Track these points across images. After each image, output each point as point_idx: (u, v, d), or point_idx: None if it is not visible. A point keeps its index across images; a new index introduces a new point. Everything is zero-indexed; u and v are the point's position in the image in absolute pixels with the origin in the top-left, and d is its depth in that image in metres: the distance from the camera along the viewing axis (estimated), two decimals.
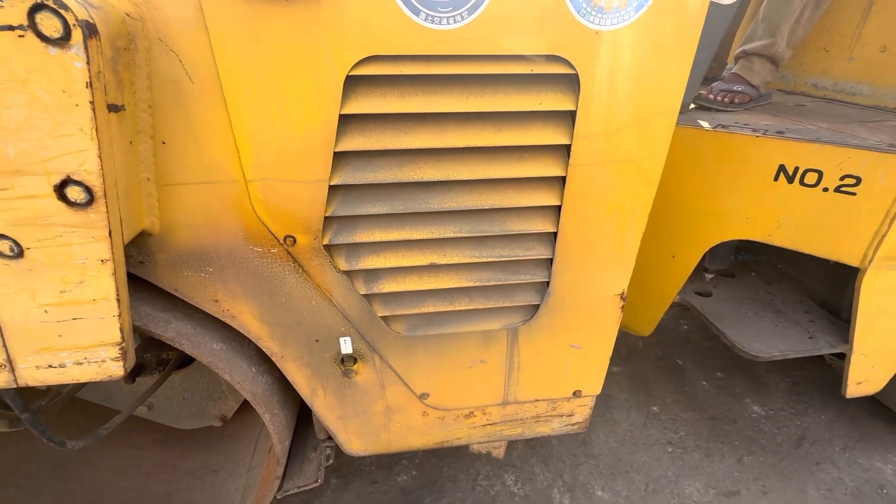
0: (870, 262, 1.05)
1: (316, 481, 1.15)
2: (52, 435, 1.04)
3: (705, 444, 1.54)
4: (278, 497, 1.15)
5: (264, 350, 0.94)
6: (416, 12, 0.64)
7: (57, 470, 1.36)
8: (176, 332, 0.86)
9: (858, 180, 1.00)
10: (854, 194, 1.02)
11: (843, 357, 1.28)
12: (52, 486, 1.32)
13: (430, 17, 0.65)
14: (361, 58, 0.66)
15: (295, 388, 1.01)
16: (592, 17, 0.68)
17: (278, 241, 0.81)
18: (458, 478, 1.44)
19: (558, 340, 1.05)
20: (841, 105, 1.39)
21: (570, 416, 1.21)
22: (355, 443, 1.14)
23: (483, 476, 1.45)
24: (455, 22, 0.66)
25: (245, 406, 1.48)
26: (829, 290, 1.39)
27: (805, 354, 1.23)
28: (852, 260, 1.07)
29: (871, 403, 1.63)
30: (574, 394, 1.15)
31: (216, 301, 0.86)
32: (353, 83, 0.69)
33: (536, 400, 1.15)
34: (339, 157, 0.75)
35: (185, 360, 1.33)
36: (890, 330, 1.16)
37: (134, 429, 1.52)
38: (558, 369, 1.10)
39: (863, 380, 1.28)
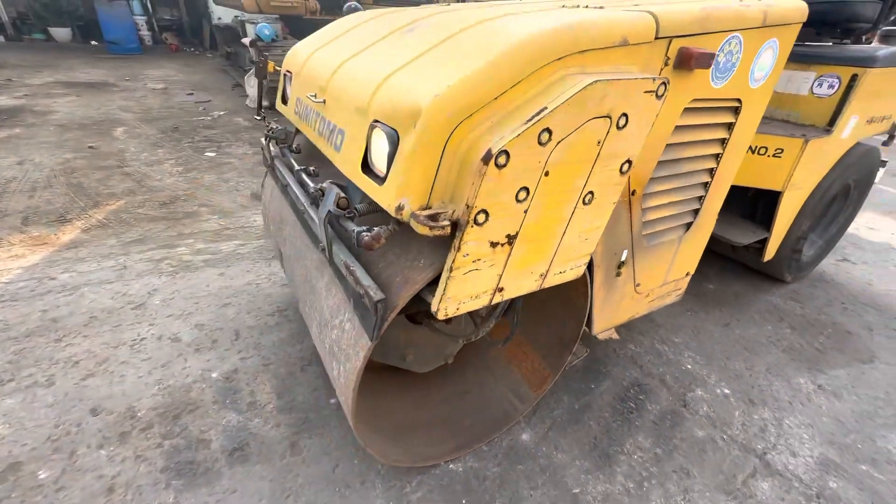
0: (785, 187, 2.28)
1: (586, 352, 1.82)
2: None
3: (700, 306, 2.71)
4: (566, 368, 1.79)
5: (593, 262, 1.61)
6: (714, 81, 1.46)
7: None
8: None
9: (783, 150, 2.20)
10: (781, 157, 2.22)
11: (761, 243, 2.56)
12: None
13: (715, 82, 1.48)
14: (693, 98, 1.45)
15: (591, 285, 1.68)
16: (754, 83, 1.60)
17: (629, 192, 1.52)
18: (608, 353, 2.27)
19: (692, 242, 1.98)
20: None
21: (679, 289, 2.16)
22: (598, 324, 1.86)
23: (615, 350, 2.30)
24: (719, 84, 1.50)
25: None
26: (748, 210, 2.67)
27: (757, 238, 2.46)
28: (779, 187, 2.29)
29: (757, 276, 3.05)
30: (686, 274, 2.11)
31: None
32: (685, 111, 1.46)
33: (673, 280, 2.06)
34: (666, 147, 1.51)
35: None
36: (785, 223, 2.46)
37: (374, 380, 1.86)
38: (685, 259, 2.03)
39: (770, 251, 2.58)
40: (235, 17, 9.29)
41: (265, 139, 1.89)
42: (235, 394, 1.89)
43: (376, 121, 1.16)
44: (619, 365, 2.19)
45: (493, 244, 1.11)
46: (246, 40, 6.31)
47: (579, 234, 1.29)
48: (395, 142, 1.08)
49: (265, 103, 6.47)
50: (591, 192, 1.23)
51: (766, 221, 2.52)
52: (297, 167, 1.61)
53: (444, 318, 1.15)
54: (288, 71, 1.92)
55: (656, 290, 2.01)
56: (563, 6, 1.46)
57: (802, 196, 2.46)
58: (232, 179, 4.14)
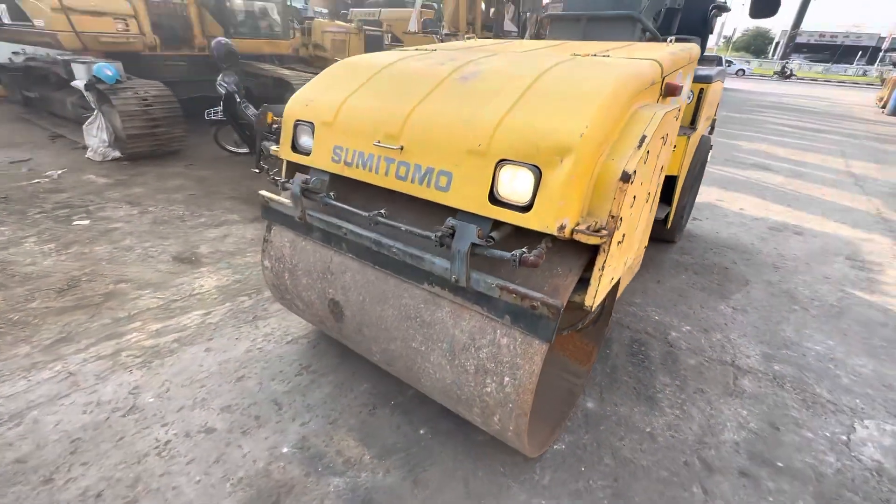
0: (679, 172, 3.10)
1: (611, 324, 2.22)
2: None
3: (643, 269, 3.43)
4: (607, 336, 2.17)
5: None
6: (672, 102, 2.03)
7: None
8: None
9: (676, 145, 3.00)
10: (675, 150, 3.02)
11: (665, 216, 3.39)
12: None
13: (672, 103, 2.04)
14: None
15: None
16: (685, 100, 2.24)
17: None
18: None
19: (649, 221, 2.58)
20: None
21: (640, 260, 2.76)
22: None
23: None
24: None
25: None
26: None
27: (665, 212, 3.25)
28: (676, 172, 3.10)
29: (653, 241, 3.95)
30: (644, 247, 2.71)
31: None
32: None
33: (639, 254, 2.64)
34: None
35: None
36: (677, 198, 3.32)
37: None
38: (645, 236, 2.63)
39: (671, 220, 3.43)
40: (17, 53, 7.59)
41: (299, 191, 1.83)
42: (322, 459, 1.78)
43: (504, 160, 1.36)
44: (614, 329, 2.69)
45: (618, 243, 1.42)
46: (78, 83, 5.27)
47: (640, 227, 1.69)
48: (538, 175, 1.31)
49: (122, 151, 5.50)
50: (649, 193, 1.63)
51: (665, 199, 3.36)
52: (366, 213, 1.65)
53: (594, 309, 1.41)
54: (304, 121, 1.89)
55: (632, 262, 2.56)
56: (576, 54, 1.85)
57: (684, 176, 3.36)
58: (135, 246, 3.52)
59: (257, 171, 2.09)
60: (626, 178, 1.28)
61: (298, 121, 1.92)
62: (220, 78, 5.12)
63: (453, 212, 1.49)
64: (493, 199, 1.40)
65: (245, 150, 5.84)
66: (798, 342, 2.65)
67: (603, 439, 1.93)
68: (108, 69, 5.19)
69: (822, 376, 2.37)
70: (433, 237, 1.46)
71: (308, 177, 1.86)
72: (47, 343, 2.39)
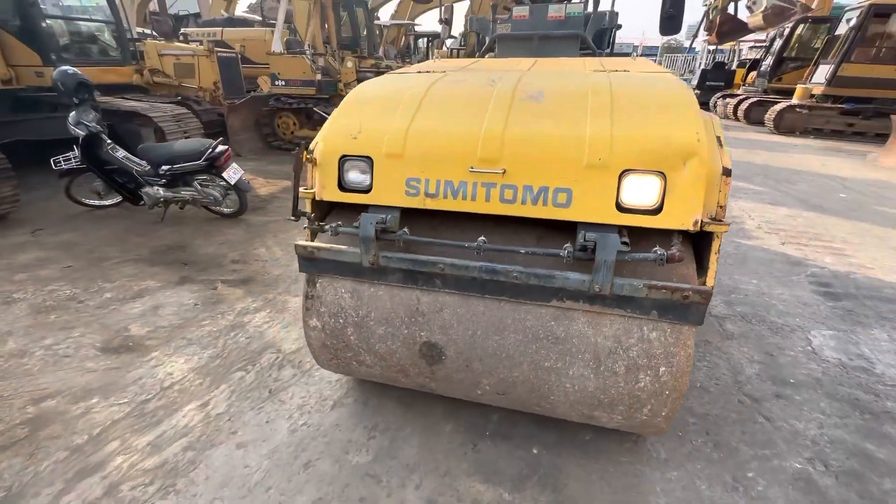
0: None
1: None
2: None
3: None
4: None
5: None
6: None
7: None
8: None
9: None
10: None
11: None
12: None
13: None
14: None
15: None
16: None
17: None
18: None
19: None
20: None
21: None
22: None
23: None
24: None
25: None
26: None
27: None
28: None
29: None
30: None
31: None
32: None
33: None
34: None
35: None
36: None
37: None
38: None
39: None
40: None
41: (373, 233, 1.65)
42: None
43: (628, 169, 1.47)
44: None
45: None
46: None
47: None
48: (664, 180, 1.45)
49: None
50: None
51: None
52: (469, 243, 1.59)
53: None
54: (354, 156, 1.71)
55: None
56: (599, 70, 2.04)
57: None
58: (29, 348, 2.61)
59: (294, 219, 1.79)
60: (728, 172, 1.51)
61: (346, 156, 1.72)
62: (73, 116, 4.09)
63: (556, 226, 1.57)
64: (619, 206, 1.49)
65: (115, 201, 4.75)
66: (737, 286, 3.35)
67: None
68: None
69: (767, 308, 3.05)
70: (563, 253, 1.49)
71: (382, 216, 1.68)
72: None
